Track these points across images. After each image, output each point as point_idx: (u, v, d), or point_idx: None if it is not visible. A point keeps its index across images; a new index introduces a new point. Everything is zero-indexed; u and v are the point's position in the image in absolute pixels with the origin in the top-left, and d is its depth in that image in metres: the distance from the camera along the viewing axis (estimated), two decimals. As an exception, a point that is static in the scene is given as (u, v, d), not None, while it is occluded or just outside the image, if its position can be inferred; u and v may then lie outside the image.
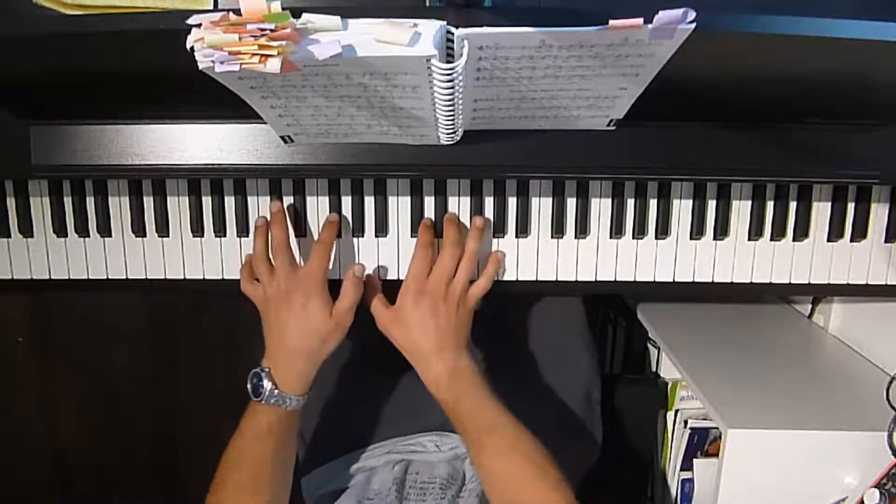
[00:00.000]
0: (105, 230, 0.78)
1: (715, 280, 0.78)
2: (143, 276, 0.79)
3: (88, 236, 0.78)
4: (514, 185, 0.76)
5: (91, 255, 0.79)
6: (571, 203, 0.77)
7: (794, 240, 0.77)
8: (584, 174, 0.72)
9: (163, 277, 0.79)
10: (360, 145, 0.67)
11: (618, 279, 0.78)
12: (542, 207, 0.77)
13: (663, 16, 0.45)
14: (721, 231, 0.77)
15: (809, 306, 1.05)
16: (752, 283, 0.78)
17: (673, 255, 0.78)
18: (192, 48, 0.45)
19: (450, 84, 0.52)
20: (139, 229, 0.77)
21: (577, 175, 0.73)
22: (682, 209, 0.77)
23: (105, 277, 0.79)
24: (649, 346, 1.11)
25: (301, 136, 0.65)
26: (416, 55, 0.48)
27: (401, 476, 0.80)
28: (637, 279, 0.78)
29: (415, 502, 0.76)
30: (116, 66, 0.59)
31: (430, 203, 0.77)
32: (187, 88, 0.53)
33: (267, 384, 0.70)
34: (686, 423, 0.92)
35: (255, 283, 0.74)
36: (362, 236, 0.78)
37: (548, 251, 0.78)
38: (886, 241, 0.77)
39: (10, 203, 0.78)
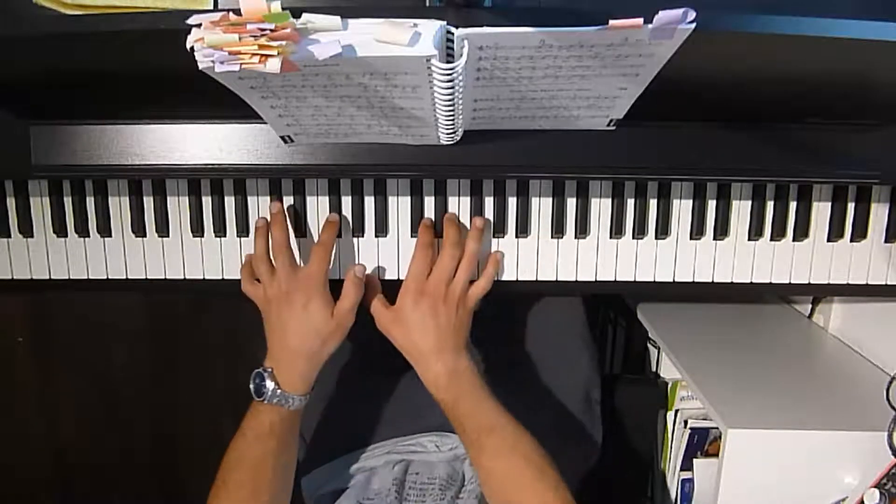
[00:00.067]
0: (105, 230, 0.78)
1: (715, 280, 0.78)
2: (143, 276, 0.79)
3: (88, 236, 0.78)
4: (514, 185, 0.76)
5: (91, 255, 0.79)
6: (571, 203, 0.77)
7: (794, 240, 0.77)
8: (584, 174, 0.72)
9: (163, 277, 0.79)
10: (360, 145, 0.67)
11: (618, 279, 0.78)
12: (542, 207, 0.77)
13: (663, 16, 0.45)
14: (721, 231, 0.77)
15: (809, 306, 1.05)
16: (752, 283, 0.78)
17: (673, 255, 0.78)
18: (192, 48, 0.45)
19: (450, 84, 0.52)
20: (139, 229, 0.77)
21: (577, 175, 0.73)
22: (682, 209, 0.77)
23: (105, 277, 0.79)
24: (649, 346, 1.11)
25: (301, 136, 0.65)
26: (416, 55, 0.48)
27: (401, 476, 0.80)
28: (637, 279, 0.78)
29: (414, 503, 0.77)
30: (116, 66, 0.59)
31: (430, 203, 0.77)
32: (187, 88, 0.53)
33: (270, 384, 0.71)
34: (686, 423, 0.92)
35: (256, 284, 0.74)
36: (362, 236, 0.78)
37: (548, 251, 0.78)
38: (886, 241, 0.77)
39: (10, 203, 0.78)
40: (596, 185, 0.76)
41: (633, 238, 0.77)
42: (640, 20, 0.45)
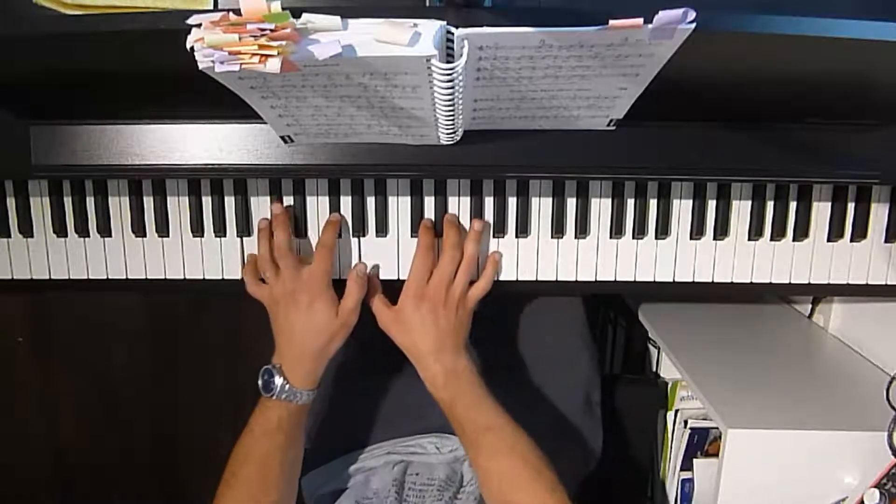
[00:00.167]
0: (105, 230, 0.78)
1: (715, 280, 0.78)
2: (143, 276, 0.79)
3: (88, 236, 0.78)
4: (514, 185, 0.76)
5: (91, 255, 0.79)
6: (571, 203, 0.77)
7: (794, 240, 0.77)
8: (584, 174, 0.72)
9: (163, 277, 0.79)
10: (360, 145, 0.67)
11: (618, 279, 0.78)
12: (542, 207, 0.77)
13: (663, 16, 0.45)
14: (721, 231, 0.77)
15: (809, 306, 1.05)
16: (752, 283, 0.78)
17: (673, 255, 0.78)
18: (192, 48, 0.45)
19: (450, 84, 0.52)
20: (139, 229, 0.77)
21: (577, 175, 0.73)
22: (682, 209, 0.77)
23: (105, 277, 0.79)
24: (649, 346, 1.11)
25: (301, 136, 0.65)
26: (416, 55, 0.48)
27: (400, 477, 0.80)
28: (637, 279, 0.78)
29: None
30: (116, 66, 0.59)
31: (430, 203, 0.77)
32: (187, 88, 0.53)
33: (278, 380, 0.72)
34: (686, 423, 0.92)
35: (261, 285, 0.75)
36: (363, 236, 0.78)
37: (548, 251, 0.78)
38: (886, 241, 0.77)
39: (10, 203, 0.78)
40: (596, 185, 0.76)
41: (633, 238, 0.77)
42: (640, 20, 0.45)
